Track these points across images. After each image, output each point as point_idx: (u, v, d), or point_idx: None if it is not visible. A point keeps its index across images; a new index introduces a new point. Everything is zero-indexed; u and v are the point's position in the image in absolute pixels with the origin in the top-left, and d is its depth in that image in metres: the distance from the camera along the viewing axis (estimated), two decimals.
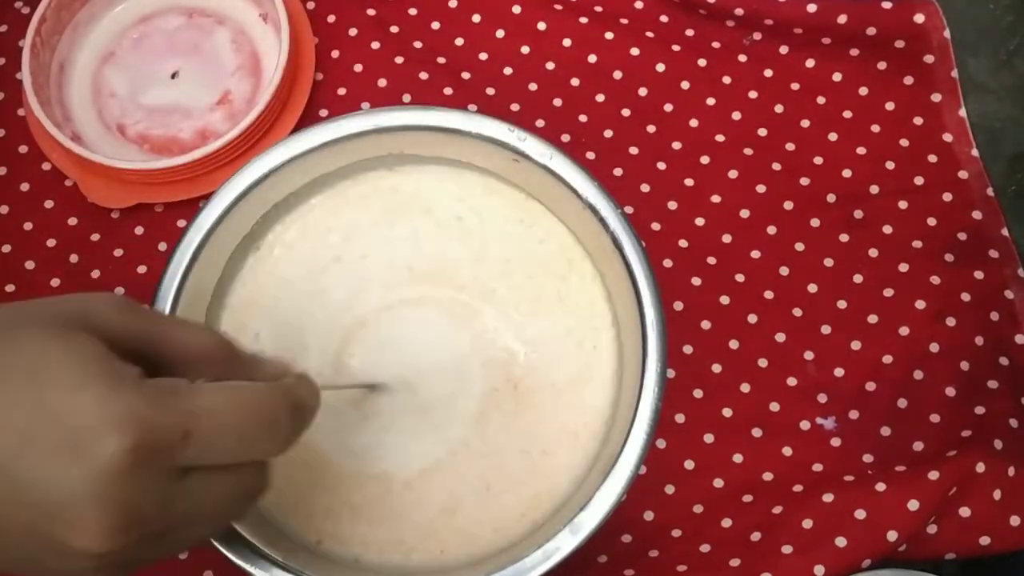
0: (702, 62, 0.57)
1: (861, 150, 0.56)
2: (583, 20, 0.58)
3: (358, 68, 0.57)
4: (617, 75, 0.57)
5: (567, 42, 0.58)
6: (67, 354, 0.29)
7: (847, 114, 0.56)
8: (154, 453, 0.28)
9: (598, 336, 0.45)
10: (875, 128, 0.56)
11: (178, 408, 0.29)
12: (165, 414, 0.29)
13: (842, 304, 0.53)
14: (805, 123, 0.56)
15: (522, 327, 0.45)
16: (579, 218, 0.44)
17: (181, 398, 0.30)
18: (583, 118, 0.56)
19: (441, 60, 0.57)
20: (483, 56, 0.58)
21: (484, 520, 0.43)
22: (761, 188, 0.55)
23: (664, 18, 0.58)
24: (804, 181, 0.55)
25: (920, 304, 0.52)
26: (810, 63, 0.57)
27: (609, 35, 0.58)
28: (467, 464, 0.44)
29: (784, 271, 0.53)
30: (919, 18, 0.56)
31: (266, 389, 0.32)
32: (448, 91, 0.56)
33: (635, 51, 0.57)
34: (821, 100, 0.57)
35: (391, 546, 0.43)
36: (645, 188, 0.55)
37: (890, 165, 0.55)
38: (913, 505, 0.47)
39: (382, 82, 0.57)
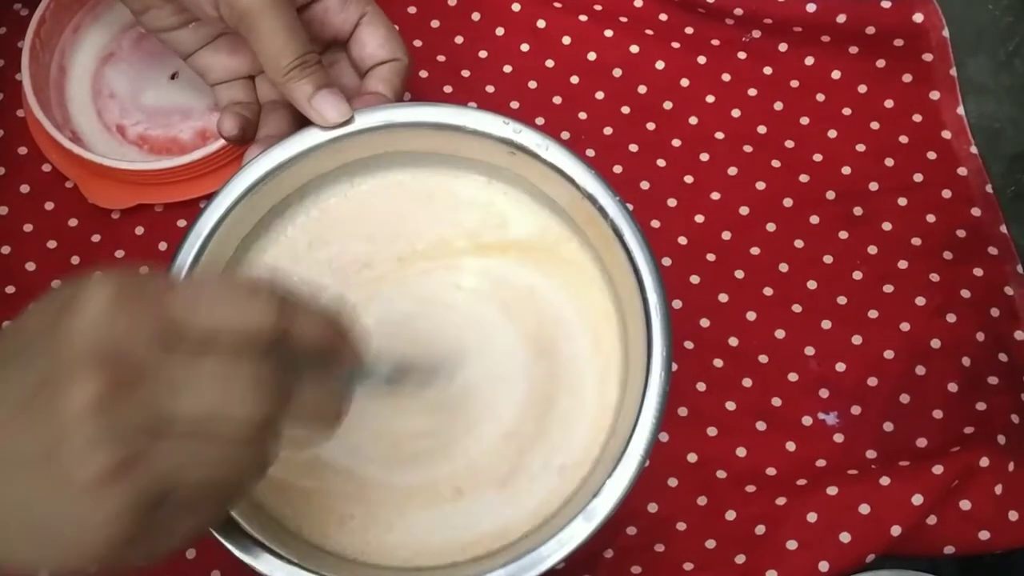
0: (701, 60, 0.57)
1: (860, 147, 0.56)
2: (582, 18, 0.58)
3: None
4: (616, 73, 0.57)
5: (566, 40, 0.58)
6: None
7: (846, 111, 0.56)
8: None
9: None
10: (874, 125, 0.56)
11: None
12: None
13: (842, 300, 0.53)
14: (804, 120, 0.56)
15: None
16: (578, 209, 0.44)
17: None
18: (583, 115, 0.56)
19: (441, 58, 0.57)
20: (483, 54, 0.58)
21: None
22: (760, 185, 0.55)
23: (663, 16, 0.58)
24: (803, 178, 0.55)
25: (920, 300, 0.52)
26: (809, 61, 0.57)
27: (608, 33, 0.58)
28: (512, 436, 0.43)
29: (783, 268, 0.53)
30: (918, 17, 0.56)
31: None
32: (448, 89, 0.57)
33: (634, 49, 0.57)
34: (820, 97, 0.57)
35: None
36: (644, 185, 0.55)
37: (889, 162, 0.55)
38: (917, 499, 0.47)
39: None
